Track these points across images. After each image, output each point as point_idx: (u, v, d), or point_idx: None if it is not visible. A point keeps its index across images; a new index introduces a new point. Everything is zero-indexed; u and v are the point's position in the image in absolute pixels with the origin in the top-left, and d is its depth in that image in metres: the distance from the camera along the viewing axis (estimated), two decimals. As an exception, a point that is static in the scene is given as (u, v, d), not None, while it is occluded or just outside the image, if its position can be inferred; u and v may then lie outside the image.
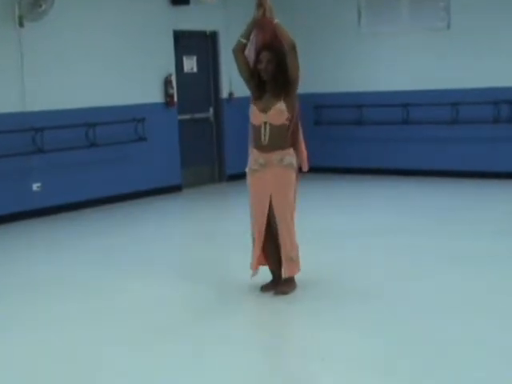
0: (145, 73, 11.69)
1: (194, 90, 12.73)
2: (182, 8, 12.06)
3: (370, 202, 10.81)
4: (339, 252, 7.87)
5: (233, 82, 12.65)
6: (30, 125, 10.11)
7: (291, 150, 6.31)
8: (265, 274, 6.56)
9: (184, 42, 12.37)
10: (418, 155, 12.74)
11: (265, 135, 6.23)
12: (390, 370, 4.83)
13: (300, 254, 6.44)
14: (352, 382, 4.74)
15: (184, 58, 12.52)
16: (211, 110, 13.02)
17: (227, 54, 12.46)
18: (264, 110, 6.22)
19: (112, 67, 11.22)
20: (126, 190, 11.48)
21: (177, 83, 12.18)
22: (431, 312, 5.92)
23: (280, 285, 6.49)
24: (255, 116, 6.28)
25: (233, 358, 5.17)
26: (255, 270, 6.52)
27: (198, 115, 12.84)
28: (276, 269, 6.53)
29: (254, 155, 6.37)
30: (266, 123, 6.23)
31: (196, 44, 12.71)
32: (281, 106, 6.17)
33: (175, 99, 12.14)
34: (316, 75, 13.11)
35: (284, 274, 6.46)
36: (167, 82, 11.98)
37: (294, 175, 6.34)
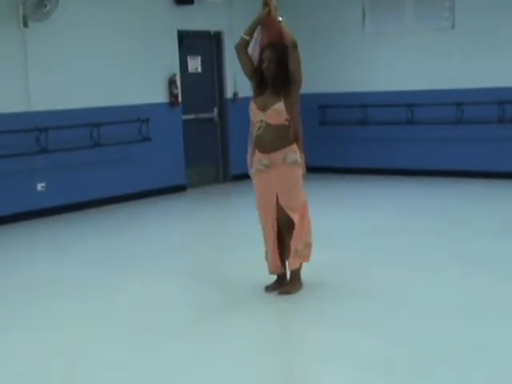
0: (149, 73, 11.71)
1: (199, 90, 12.74)
2: (187, 8, 12.07)
3: (374, 202, 10.80)
4: (342, 252, 7.87)
5: (237, 82, 12.65)
6: (35, 125, 10.13)
7: (294, 146, 6.29)
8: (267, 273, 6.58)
9: (188, 42, 12.38)
10: (421, 155, 12.72)
11: (264, 134, 6.24)
12: (391, 370, 4.83)
13: (312, 247, 6.48)
14: (352, 381, 4.75)
15: (188, 58, 12.53)
16: (216, 110, 13.03)
17: (232, 54, 12.39)
18: (263, 109, 6.23)
19: (116, 67, 11.23)
20: (130, 190, 11.49)
21: (181, 83, 12.20)
22: (432, 312, 5.92)
23: (284, 285, 6.50)
24: (253, 113, 6.30)
25: (235, 357, 5.17)
26: (278, 270, 6.53)
27: (202, 115, 12.85)
28: (280, 269, 6.53)
29: (256, 156, 6.37)
30: (262, 121, 6.24)
31: (200, 44, 12.71)
32: (279, 106, 6.17)
33: (180, 99, 12.15)
34: (320, 75, 13.11)
35: (289, 265, 6.46)
36: (171, 82, 11.99)
37: (299, 171, 6.34)
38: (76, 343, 5.56)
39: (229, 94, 12.98)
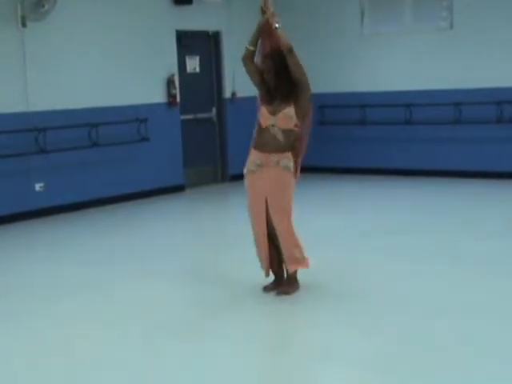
0: (147, 73, 11.70)
1: (197, 90, 12.74)
2: (185, 8, 12.07)
3: (373, 202, 10.80)
4: (341, 252, 7.87)
5: (236, 82, 12.65)
6: (33, 125, 10.12)
7: (289, 154, 6.28)
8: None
9: (187, 41, 12.37)
10: (420, 155, 12.73)
11: (272, 136, 6.24)
12: (391, 370, 4.82)
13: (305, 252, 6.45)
14: (352, 381, 4.75)
15: (187, 58, 12.52)
16: (214, 110, 13.03)
17: (230, 53, 12.53)
18: (273, 113, 6.23)
19: (115, 67, 11.22)
20: (128, 190, 11.49)
21: (179, 83, 12.19)
22: (432, 312, 5.92)
23: (282, 285, 6.50)
24: (264, 117, 6.28)
25: (233, 357, 5.17)
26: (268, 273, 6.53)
27: (200, 115, 12.84)
28: (277, 269, 6.54)
29: (252, 156, 6.37)
30: (273, 126, 6.23)
31: (199, 44, 12.70)
32: (289, 111, 6.17)
33: (178, 99, 12.14)
34: (319, 75, 13.05)
35: (288, 268, 6.44)
36: (170, 82, 11.98)
37: (291, 178, 6.31)
38: (75, 343, 5.56)
39: (227, 94, 12.97)
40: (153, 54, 11.75)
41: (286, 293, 6.42)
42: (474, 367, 4.83)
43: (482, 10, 11.91)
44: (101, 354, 5.33)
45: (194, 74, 12.67)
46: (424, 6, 12.44)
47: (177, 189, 12.26)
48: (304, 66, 6.18)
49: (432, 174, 12.57)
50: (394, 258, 7.60)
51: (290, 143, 6.27)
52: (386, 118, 12.87)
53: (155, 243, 8.75)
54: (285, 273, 6.54)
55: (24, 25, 9.95)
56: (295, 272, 6.48)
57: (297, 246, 6.39)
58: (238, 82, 12.44)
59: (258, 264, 6.54)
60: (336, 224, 9.27)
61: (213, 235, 9.28)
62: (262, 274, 6.54)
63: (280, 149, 6.24)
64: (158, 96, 11.93)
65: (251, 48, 6.33)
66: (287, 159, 6.27)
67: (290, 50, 6.11)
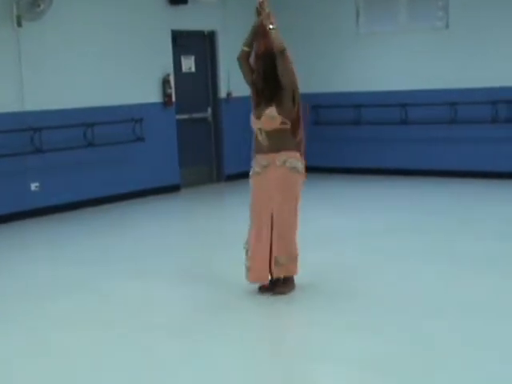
0: (143, 73, 11.68)
1: (192, 90, 12.73)
2: (180, 8, 12.05)
3: (368, 203, 10.81)
4: (338, 252, 7.86)
5: (231, 82, 12.65)
6: (28, 124, 10.10)
7: (297, 154, 6.29)
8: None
9: (182, 41, 12.36)
10: (415, 155, 12.73)
11: (263, 139, 6.25)
12: (391, 370, 4.82)
13: (299, 259, 6.42)
14: (352, 381, 4.75)
15: (182, 58, 12.51)
16: (209, 109, 13.02)
17: (225, 53, 12.53)
18: (258, 117, 6.25)
19: (110, 67, 11.21)
20: (124, 190, 11.48)
21: (175, 83, 12.18)
22: (431, 312, 5.92)
23: (278, 285, 6.48)
24: (252, 122, 6.33)
25: (230, 358, 5.17)
26: (262, 278, 6.45)
27: (196, 115, 12.83)
28: (263, 278, 6.49)
29: (257, 159, 6.37)
30: (260, 129, 6.25)
31: (194, 44, 12.69)
32: (271, 111, 6.16)
33: (173, 99, 12.13)
34: (314, 75, 13.11)
35: (273, 274, 6.39)
36: (165, 82, 11.97)
37: (298, 179, 6.30)
38: (71, 343, 5.54)
39: (222, 94, 12.96)
40: (148, 54, 11.73)
41: (282, 293, 6.41)
42: (474, 367, 4.83)
43: (477, 10, 11.92)
44: (97, 354, 5.32)
45: (189, 74, 12.66)
46: (419, 6, 12.45)
47: (172, 189, 12.25)
48: (294, 70, 6.20)
49: (427, 173, 12.57)
50: (391, 258, 7.60)
51: (290, 140, 6.27)
52: (381, 118, 12.88)
53: (150, 243, 8.74)
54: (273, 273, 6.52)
55: (19, 24, 9.93)
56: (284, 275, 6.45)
57: (287, 253, 6.33)
58: (234, 81, 12.42)
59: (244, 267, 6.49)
60: (332, 224, 9.27)
61: (208, 235, 9.26)
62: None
63: (283, 147, 6.23)
64: (154, 96, 11.91)
65: (246, 49, 6.35)
66: (295, 159, 6.27)
67: (282, 52, 6.11)
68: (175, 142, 12.29)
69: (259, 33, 6.30)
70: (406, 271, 7.12)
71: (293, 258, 6.39)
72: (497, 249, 7.79)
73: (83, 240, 8.98)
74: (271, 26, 6.19)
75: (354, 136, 13.26)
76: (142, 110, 11.56)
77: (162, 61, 11.99)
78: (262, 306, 6.26)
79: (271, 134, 6.22)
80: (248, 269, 6.43)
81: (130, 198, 11.51)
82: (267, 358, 5.30)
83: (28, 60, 10.18)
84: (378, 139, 13.03)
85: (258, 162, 6.35)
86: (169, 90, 12.01)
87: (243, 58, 6.37)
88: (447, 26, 12.24)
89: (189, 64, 12.65)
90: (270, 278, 6.48)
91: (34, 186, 10.36)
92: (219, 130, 13.08)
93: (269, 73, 6.17)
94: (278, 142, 6.23)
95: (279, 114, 6.16)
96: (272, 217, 6.28)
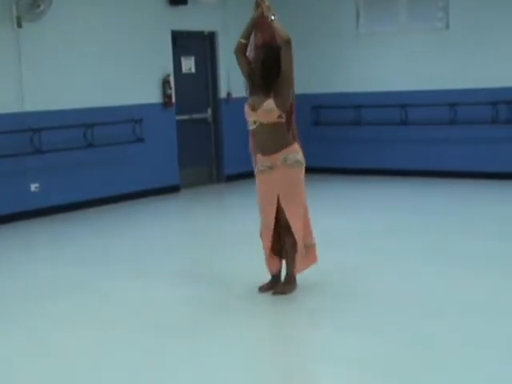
0: (143, 73, 11.68)
1: (192, 91, 12.73)
2: (180, 8, 12.05)
3: (368, 203, 10.81)
4: (338, 252, 7.84)
5: (231, 83, 12.65)
6: (28, 125, 10.10)
7: (294, 146, 6.30)
8: (264, 274, 6.56)
9: (182, 42, 12.36)
10: (415, 156, 12.73)
11: (260, 135, 6.24)
12: (390, 370, 4.82)
13: (317, 247, 6.50)
14: (352, 382, 4.74)
15: (182, 59, 12.51)
16: (209, 110, 13.02)
17: (225, 54, 12.51)
18: (254, 109, 6.23)
19: (110, 68, 11.21)
20: (123, 191, 11.47)
21: (175, 84, 12.18)
22: (431, 312, 5.91)
23: (279, 285, 6.48)
24: (247, 114, 6.30)
25: (230, 358, 5.16)
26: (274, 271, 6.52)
27: (196, 116, 12.83)
28: (273, 270, 6.52)
29: (259, 158, 6.37)
30: (255, 122, 6.24)
31: (194, 44, 12.69)
32: (269, 103, 6.15)
33: (173, 100, 12.13)
34: (314, 76, 13.12)
35: (298, 269, 6.45)
36: (165, 83, 11.97)
37: (301, 172, 6.33)
38: (72, 343, 5.54)
39: (222, 95, 12.96)
40: (148, 55, 11.73)
41: (283, 293, 6.41)
42: (474, 367, 4.83)
43: (477, 11, 11.92)
44: (97, 354, 5.32)
45: (189, 75, 12.66)
46: (420, 6, 12.45)
47: (172, 189, 12.25)
48: (293, 63, 6.18)
49: (427, 174, 12.57)
50: (392, 258, 7.60)
51: (286, 135, 6.27)
52: (381, 119, 12.88)
53: (150, 243, 8.74)
54: (282, 273, 6.53)
55: (19, 25, 9.93)
56: (294, 272, 6.48)
57: (304, 242, 6.37)
58: (234, 82, 12.42)
59: (259, 262, 6.54)
60: (332, 224, 9.24)
61: (208, 235, 9.26)
62: (261, 271, 6.54)
63: (281, 146, 6.23)
64: (154, 96, 11.91)
65: (243, 41, 6.34)
66: (295, 152, 6.28)
67: (288, 42, 6.11)
68: (175, 142, 12.29)
69: (258, 25, 6.31)
70: (405, 271, 7.12)
71: (311, 246, 6.45)
72: (497, 249, 7.79)
73: (83, 240, 8.98)
74: (273, 17, 6.19)
75: (353, 136, 13.26)
76: (142, 111, 11.55)
77: (162, 61, 11.99)
78: (262, 305, 6.26)
79: (268, 129, 6.20)
80: (268, 263, 6.50)
81: (130, 198, 11.50)
82: (267, 357, 5.30)
83: (28, 60, 10.18)
84: (377, 140, 13.03)
85: (260, 162, 6.35)
86: (169, 91, 12.00)
87: (240, 50, 6.36)
88: (447, 27, 12.24)
89: (189, 65, 12.65)
90: (272, 278, 6.52)
91: (33, 187, 10.35)
92: (219, 130, 13.08)
93: (268, 63, 6.16)
94: (276, 139, 6.21)
95: (277, 106, 6.15)
96: (280, 212, 6.30)
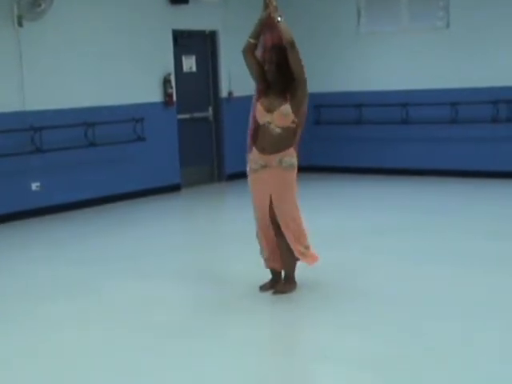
0: (144, 72, 11.68)
1: (193, 90, 12.72)
2: (181, 7, 12.05)
3: (370, 202, 10.81)
4: (339, 252, 7.85)
5: (232, 82, 12.65)
6: (29, 124, 10.10)
7: (291, 150, 6.29)
8: (264, 273, 6.56)
9: (183, 41, 12.36)
10: (417, 155, 12.74)
11: (268, 135, 6.23)
12: (391, 370, 4.82)
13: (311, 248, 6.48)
14: (352, 382, 4.75)
15: (183, 58, 12.50)
16: (210, 109, 13.02)
17: (226, 53, 12.53)
18: (269, 110, 6.21)
19: (111, 67, 11.20)
20: (124, 190, 11.47)
21: (176, 83, 12.17)
22: (432, 312, 5.92)
23: (279, 284, 6.49)
24: (260, 114, 6.26)
25: (231, 357, 5.17)
26: (277, 267, 6.53)
27: (197, 115, 12.83)
28: (277, 267, 6.53)
29: (254, 156, 6.36)
30: (269, 123, 6.23)
31: (195, 43, 12.69)
32: (285, 108, 6.15)
33: (174, 99, 12.12)
34: (315, 75, 13.03)
35: (300, 259, 6.47)
36: (166, 82, 11.96)
37: (294, 175, 6.33)
38: (72, 343, 5.54)
39: (223, 94, 12.96)
40: (149, 54, 11.73)
41: (283, 292, 6.42)
42: (474, 367, 4.83)
43: (478, 10, 11.91)
44: (97, 354, 5.32)
45: (190, 74, 12.66)
46: (420, 6, 12.44)
47: (173, 188, 12.25)
48: (303, 62, 6.18)
49: (428, 173, 12.57)
50: (392, 258, 7.60)
51: (290, 139, 6.27)
52: (382, 118, 12.88)
53: (151, 242, 8.74)
54: (282, 272, 6.54)
55: (20, 24, 9.93)
56: (293, 270, 6.48)
57: (300, 241, 6.38)
58: (235, 81, 12.44)
59: (258, 260, 6.55)
60: (333, 223, 9.26)
61: (209, 235, 9.26)
62: (261, 270, 6.54)
63: (281, 148, 6.23)
64: (155, 95, 11.91)
65: (252, 41, 6.30)
66: (290, 156, 6.26)
67: (292, 45, 6.10)
68: (176, 141, 12.29)
69: (266, 25, 6.29)
70: (406, 271, 7.12)
71: (307, 248, 6.44)
72: (498, 248, 7.78)
73: (84, 240, 8.99)
74: (279, 19, 6.19)
75: (354, 135, 13.26)
76: (143, 110, 11.55)
77: (163, 60, 11.99)
78: (262, 305, 6.26)
79: (279, 132, 6.19)
80: (265, 260, 6.51)
81: (131, 197, 11.50)
82: (267, 357, 5.30)
83: (29, 60, 10.18)
84: (378, 139, 13.03)
85: (255, 160, 6.33)
86: (170, 90, 12.00)
87: (249, 50, 6.31)
88: (448, 26, 12.24)
89: (190, 64, 12.64)
90: (272, 277, 6.54)
91: (34, 186, 10.36)
92: (220, 129, 13.08)
93: (282, 65, 6.15)
94: (280, 142, 6.22)
95: (292, 111, 6.16)
96: (273, 212, 6.31)
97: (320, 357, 5.14)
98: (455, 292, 6.42)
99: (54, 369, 5.08)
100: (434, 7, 12.31)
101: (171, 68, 12.12)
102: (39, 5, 9.90)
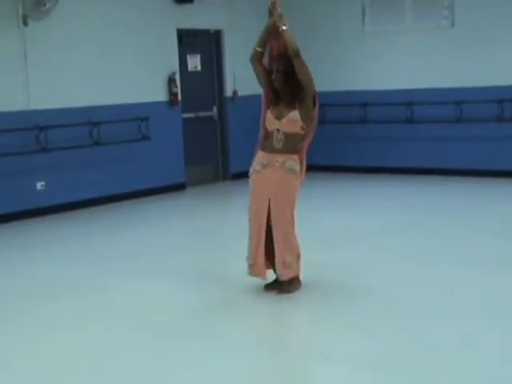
0: (149, 71, 11.70)
1: (198, 89, 12.73)
2: (186, 6, 12.06)
3: (374, 201, 10.80)
4: (342, 251, 7.86)
5: (237, 81, 12.66)
6: (34, 123, 10.12)
7: (295, 156, 6.29)
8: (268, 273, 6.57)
9: (188, 40, 12.37)
10: (421, 154, 12.73)
11: (277, 141, 6.24)
12: (391, 370, 4.83)
13: (302, 258, 6.42)
14: (352, 381, 4.75)
15: (188, 57, 12.52)
16: (215, 108, 13.03)
17: (231, 52, 12.55)
18: (278, 117, 6.23)
19: (116, 66, 11.22)
20: (129, 189, 11.49)
21: (181, 82, 12.19)
22: (432, 312, 5.92)
23: (283, 284, 6.49)
24: (269, 122, 6.30)
25: (234, 357, 5.17)
26: (263, 274, 6.49)
27: (202, 114, 12.84)
28: (261, 275, 6.52)
29: (258, 156, 6.38)
30: (278, 130, 6.24)
31: (200, 42, 12.70)
32: (294, 115, 6.17)
33: (179, 98, 12.14)
34: (320, 74, 12.93)
35: (279, 276, 6.44)
36: (171, 81, 11.98)
37: (295, 181, 6.30)
38: (73, 343, 5.55)
39: (228, 93, 12.97)
40: (154, 53, 11.75)
41: (287, 291, 6.42)
42: (474, 367, 4.83)
43: (483, 9, 11.89)
44: (97, 354, 5.33)
45: (195, 73, 12.67)
46: (425, 5, 12.43)
47: (178, 187, 12.27)
48: (310, 70, 6.16)
49: (433, 172, 12.56)
50: (395, 257, 7.59)
51: (296, 145, 6.27)
52: (387, 117, 12.87)
53: (155, 242, 8.75)
54: (278, 275, 6.54)
55: (25, 23, 9.97)
56: (298, 271, 6.47)
57: (291, 250, 6.35)
58: (240, 80, 12.45)
59: (245, 258, 6.52)
60: (337, 223, 9.27)
61: (213, 234, 9.27)
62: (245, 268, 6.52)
63: (286, 150, 6.24)
64: (160, 94, 11.93)
65: (259, 49, 6.30)
66: (293, 161, 6.26)
67: (297, 54, 6.08)
68: (181, 140, 12.30)
69: (272, 33, 6.28)
70: (409, 270, 7.11)
71: (297, 257, 6.41)
72: (502, 248, 7.77)
73: (88, 239, 9.01)
74: (284, 28, 6.17)
75: (359, 134, 13.26)
76: (148, 109, 11.56)
77: (168, 60, 12.00)
78: (263, 305, 6.26)
79: (287, 137, 6.23)
80: (250, 266, 6.46)
81: (136, 196, 11.53)
82: (267, 357, 5.31)
83: (34, 59, 10.20)
84: (383, 138, 13.03)
85: (259, 160, 6.35)
86: (175, 89, 12.02)
87: (256, 58, 6.32)
88: (453, 25, 12.23)
89: (195, 63, 12.65)
90: (276, 278, 6.52)
91: (39, 185, 10.39)
92: (225, 128, 13.09)
93: (288, 74, 6.15)
94: (287, 144, 6.23)
95: (301, 118, 6.18)
96: (270, 217, 6.29)
97: (320, 357, 5.15)
98: (455, 292, 6.41)
99: (54, 369, 5.09)
100: (438, 6, 12.30)
101: (176, 67, 12.14)
102: (44, 4, 9.93)
